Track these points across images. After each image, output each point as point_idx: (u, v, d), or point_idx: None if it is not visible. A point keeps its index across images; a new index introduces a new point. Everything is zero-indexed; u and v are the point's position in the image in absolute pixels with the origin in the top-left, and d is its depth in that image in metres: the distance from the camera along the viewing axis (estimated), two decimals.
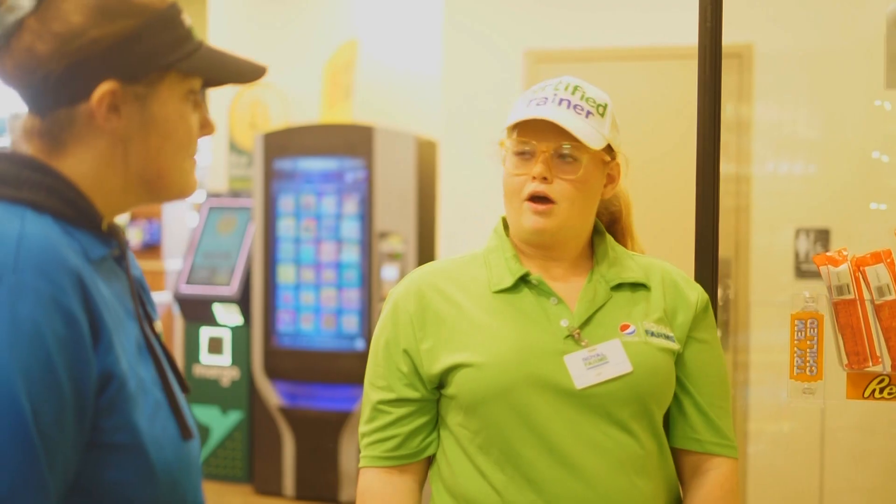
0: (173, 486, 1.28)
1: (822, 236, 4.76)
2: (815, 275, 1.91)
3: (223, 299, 6.00)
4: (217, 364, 6.09)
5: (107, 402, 1.20)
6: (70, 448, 1.17)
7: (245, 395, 6.01)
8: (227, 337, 6.06)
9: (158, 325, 1.41)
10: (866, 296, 1.84)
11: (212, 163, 6.80)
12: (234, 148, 6.65)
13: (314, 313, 5.70)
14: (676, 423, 1.82)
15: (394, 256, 5.59)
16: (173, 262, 7.37)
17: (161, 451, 1.26)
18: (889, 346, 1.84)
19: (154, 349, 1.31)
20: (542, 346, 1.74)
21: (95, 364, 1.18)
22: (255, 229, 5.82)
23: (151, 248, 8.10)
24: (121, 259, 1.34)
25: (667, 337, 1.79)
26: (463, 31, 5.44)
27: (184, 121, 1.32)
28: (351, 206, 5.60)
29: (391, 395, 1.80)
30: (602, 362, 1.73)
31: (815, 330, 1.90)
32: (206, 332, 6.12)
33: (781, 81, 4.95)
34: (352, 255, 5.63)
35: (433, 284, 1.82)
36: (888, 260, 1.82)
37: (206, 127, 1.37)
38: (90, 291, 1.19)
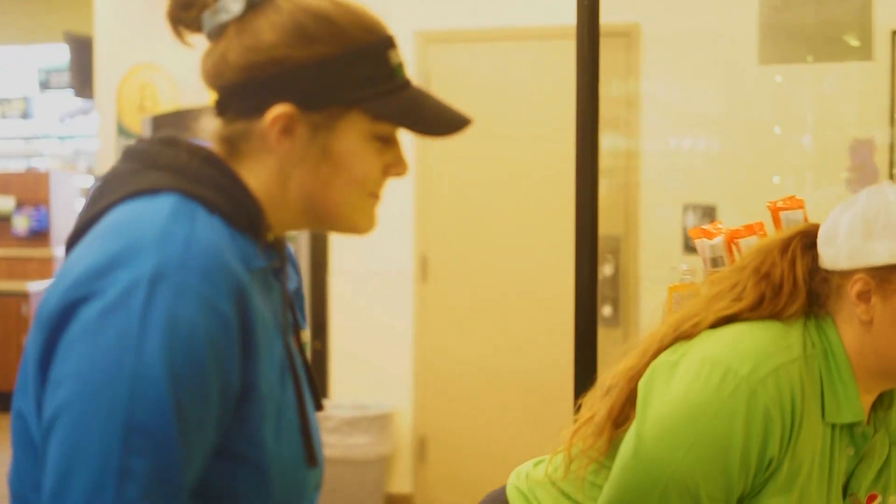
0: None
1: (710, 212, 4.85)
2: None
3: None
4: None
5: (243, 413, 1.19)
6: (205, 451, 1.16)
7: None
8: None
9: (305, 335, 1.40)
10: None
11: (99, 146, 6.67)
12: (123, 131, 6.54)
13: None
14: None
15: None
16: (62, 249, 7.23)
17: (283, 472, 1.23)
18: None
19: (296, 369, 1.28)
20: None
21: (240, 373, 1.17)
22: None
23: (39, 234, 7.94)
24: (279, 272, 1.30)
25: None
26: None
27: (361, 159, 1.26)
28: None
29: None
30: None
31: None
32: None
33: (668, 59, 5.03)
34: None
35: (802, 399, 1.55)
36: (761, 232, 1.87)
37: (393, 168, 1.30)
38: (248, 301, 1.18)
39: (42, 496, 1.10)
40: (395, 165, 1.30)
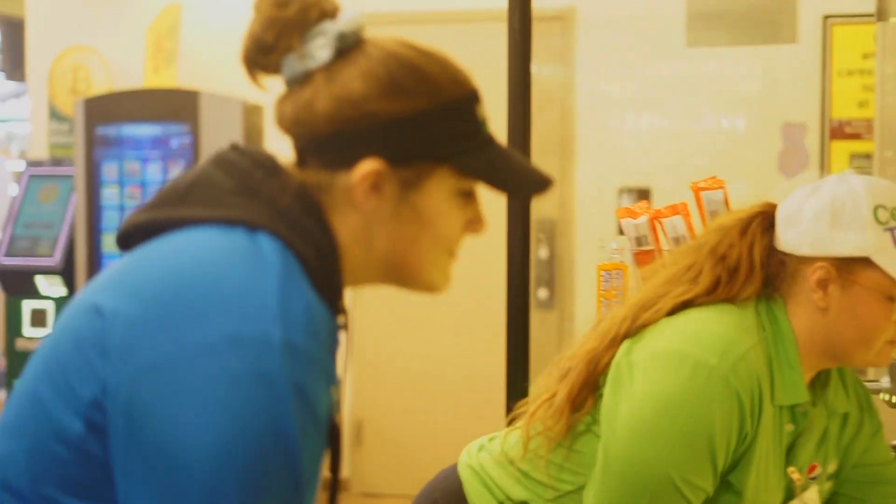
0: None
1: (644, 195, 4.91)
2: None
3: (46, 271, 5.82)
4: (40, 337, 5.92)
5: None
6: None
7: None
8: (50, 309, 5.89)
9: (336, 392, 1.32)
10: (665, 246, 1.91)
11: (31, 130, 6.58)
12: (55, 114, 6.45)
13: None
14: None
15: None
16: None
17: None
18: None
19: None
20: (779, 489, 1.65)
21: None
22: (78, 198, 5.67)
23: None
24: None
25: (831, 477, 1.74)
26: None
27: (447, 217, 1.21)
28: (177, 172, 5.50)
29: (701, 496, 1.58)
30: None
31: (620, 280, 1.96)
32: (28, 305, 5.94)
33: (603, 43, 5.06)
34: None
35: (762, 381, 1.57)
36: (684, 212, 1.90)
37: (473, 225, 1.24)
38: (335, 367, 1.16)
39: None
40: (475, 223, 1.24)
